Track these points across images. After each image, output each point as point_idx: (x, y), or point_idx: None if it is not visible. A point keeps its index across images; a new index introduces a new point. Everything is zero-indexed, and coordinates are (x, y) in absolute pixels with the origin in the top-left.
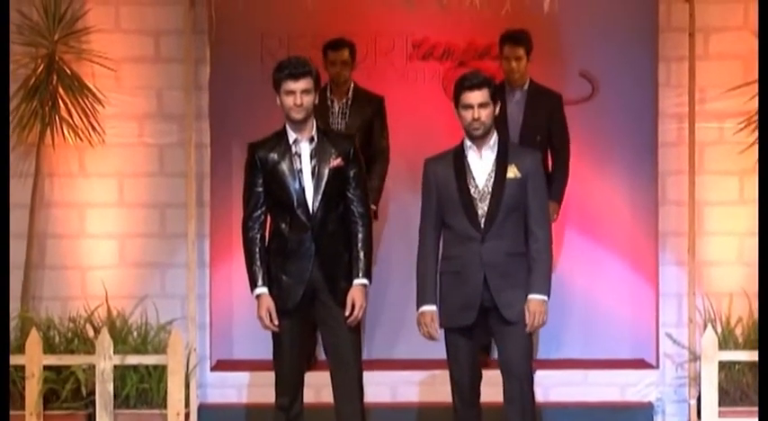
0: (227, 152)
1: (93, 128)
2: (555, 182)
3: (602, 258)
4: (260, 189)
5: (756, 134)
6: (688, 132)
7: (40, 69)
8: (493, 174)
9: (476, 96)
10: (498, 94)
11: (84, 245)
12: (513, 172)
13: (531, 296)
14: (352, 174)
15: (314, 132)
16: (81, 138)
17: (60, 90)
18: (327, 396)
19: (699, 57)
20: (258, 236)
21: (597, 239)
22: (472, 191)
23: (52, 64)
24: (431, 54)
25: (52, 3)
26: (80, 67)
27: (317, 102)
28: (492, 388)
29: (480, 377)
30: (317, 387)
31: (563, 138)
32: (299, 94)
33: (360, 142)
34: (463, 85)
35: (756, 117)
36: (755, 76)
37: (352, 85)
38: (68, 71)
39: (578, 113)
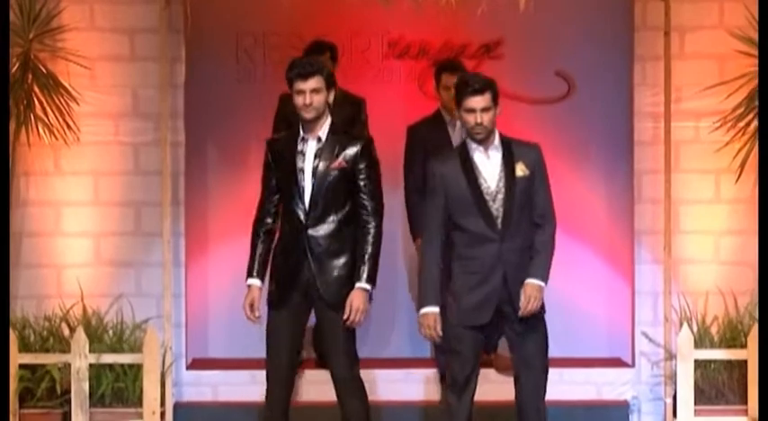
0: (202, 150)
1: (69, 126)
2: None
3: (578, 257)
4: (273, 183)
5: (732, 134)
6: (664, 131)
7: (15, 68)
8: (503, 174)
9: (478, 101)
10: (439, 124)
11: (59, 243)
12: (521, 170)
13: (528, 280)
14: (360, 175)
15: (323, 132)
16: (56, 137)
17: (35, 88)
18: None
19: (674, 56)
20: (262, 228)
21: (573, 238)
22: (484, 191)
23: (27, 62)
24: (406, 53)
25: (27, 1)
26: (55, 65)
27: (330, 100)
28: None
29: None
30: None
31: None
32: (308, 93)
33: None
34: (466, 89)
35: (735, 115)
36: (731, 75)
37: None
38: (43, 69)
39: (554, 113)
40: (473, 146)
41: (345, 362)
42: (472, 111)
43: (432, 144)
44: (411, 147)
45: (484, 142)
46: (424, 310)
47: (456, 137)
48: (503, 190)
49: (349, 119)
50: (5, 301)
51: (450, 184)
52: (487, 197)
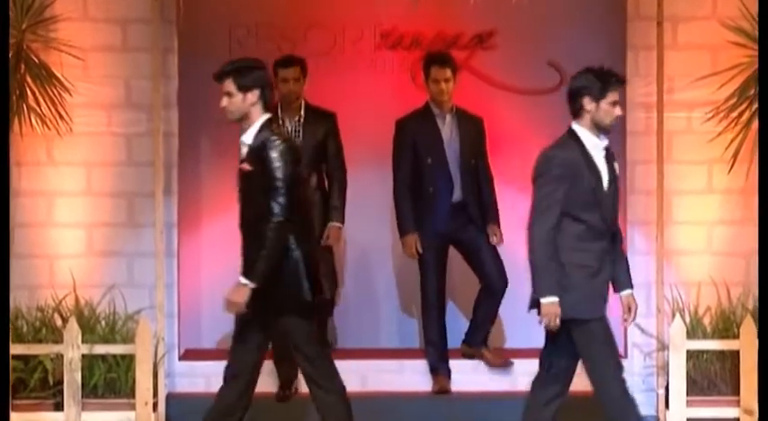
0: (195, 141)
1: (61, 117)
2: (492, 207)
3: None
4: None
5: (724, 124)
6: (656, 122)
7: None
8: (609, 173)
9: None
10: (428, 118)
11: (51, 234)
12: (616, 167)
13: (628, 290)
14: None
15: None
16: (49, 127)
17: (28, 79)
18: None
19: (667, 46)
20: None
21: None
22: (602, 187)
23: (20, 53)
24: (399, 43)
25: None
26: (48, 55)
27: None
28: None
29: None
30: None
31: (487, 160)
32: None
33: (314, 160)
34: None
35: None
36: (724, 65)
37: (303, 103)
38: (36, 60)
39: (546, 103)
40: (594, 142)
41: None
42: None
43: (420, 138)
44: (399, 142)
45: (604, 135)
46: (549, 300)
47: (446, 130)
48: (611, 186)
49: (322, 135)
50: (6, 295)
51: (576, 176)
52: (604, 193)
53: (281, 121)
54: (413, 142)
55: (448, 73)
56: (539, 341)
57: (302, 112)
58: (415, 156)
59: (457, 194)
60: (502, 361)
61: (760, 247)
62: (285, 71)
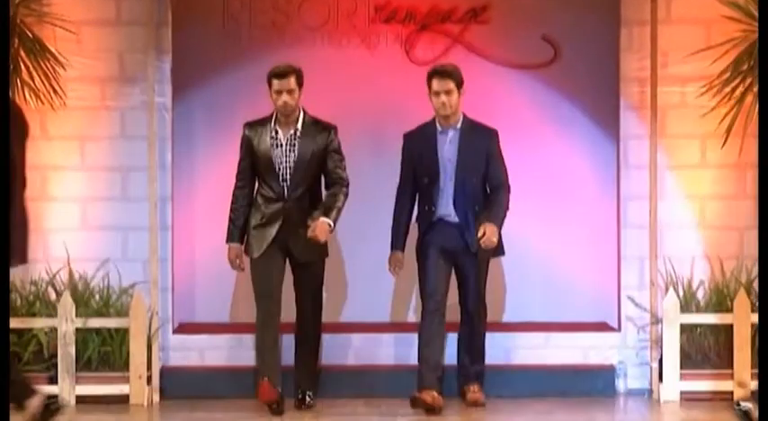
0: (189, 115)
1: (55, 91)
2: (496, 212)
3: (564, 221)
4: None
5: (718, 98)
6: (650, 96)
7: None
8: None
9: None
10: (429, 134)
11: (45, 207)
12: None
13: None
14: None
15: None
16: (42, 102)
17: (22, 53)
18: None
19: (661, 21)
20: None
21: (559, 203)
22: None
23: (14, 27)
24: (393, 17)
25: None
26: (41, 30)
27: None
28: None
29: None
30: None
31: (502, 176)
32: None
33: (310, 175)
34: None
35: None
36: (717, 40)
37: (301, 115)
38: (30, 34)
39: (540, 77)
40: None
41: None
42: None
43: (419, 155)
44: (403, 158)
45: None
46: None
47: (446, 148)
48: None
49: (321, 147)
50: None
51: None
52: None
53: (273, 134)
54: (413, 159)
55: (450, 85)
56: (535, 315)
57: (299, 125)
58: (416, 174)
59: (453, 216)
60: (477, 401)
61: (760, 224)
62: (280, 82)
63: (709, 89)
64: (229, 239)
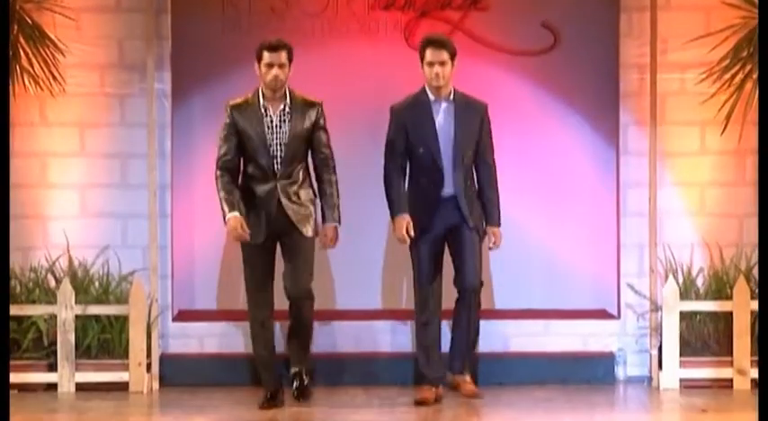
0: (188, 102)
1: (54, 78)
2: (492, 204)
3: (563, 209)
4: None
5: (717, 85)
6: (650, 83)
7: None
8: None
9: None
10: (421, 104)
11: (45, 194)
12: None
13: None
14: None
15: None
16: (42, 88)
17: (21, 40)
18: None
19: (661, 7)
20: None
21: (558, 190)
22: None
23: (13, 14)
24: (393, 4)
25: None
26: (41, 16)
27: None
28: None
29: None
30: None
31: (491, 152)
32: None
33: (300, 152)
34: None
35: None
36: (717, 26)
37: (288, 92)
38: (29, 21)
39: (540, 64)
40: None
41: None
42: None
43: (413, 125)
44: (391, 129)
45: None
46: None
47: (440, 118)
48: None
49: (309, 124)
50: (5, 257)
51: None
52: None
53: (263, 110)
54: (405, 130)
55: (444, 55)
56: (535, 302)
57: (287, 101)
58: (408, 145)
59: (448, 188)
60: (475, 393)
61: (760, 210)
62: (271, 55)
63: (709, 76)
64: (230, 210)
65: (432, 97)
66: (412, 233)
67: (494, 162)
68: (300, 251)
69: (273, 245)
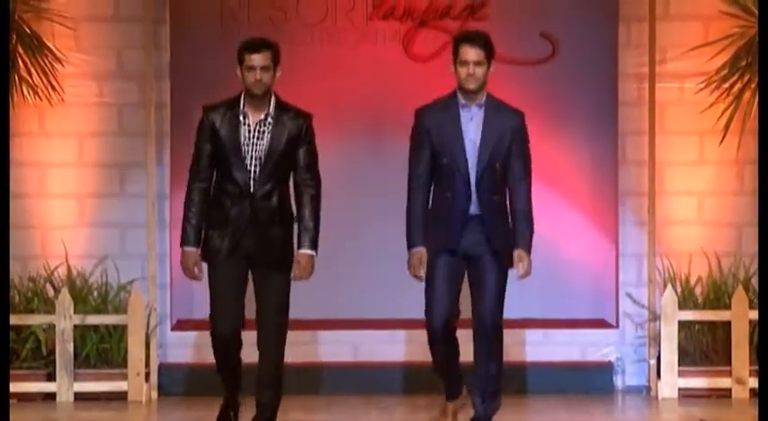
0: (187, 112)
1: (53, 87)
2: (524, 226)
3: (562, 218)
4: None
5: (716, 95)
6: (648, 92)
7: None
8: None
9: None
10: (450, 108)
11: (43, 204)
12: None
13: None
14: None
15: None
16: (40, 98)
17: (20, 49)
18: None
19: (659, 17)
20: None
21: (557, 199)
22: None
23: (12, 23)
24: (391, 14)
25: None
26: (39, 26)
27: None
28: None
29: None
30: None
31: (526, 168)
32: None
33: (281, 169)
34: None
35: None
36: (715, 36)
37: (272, 99)
38: (28, 30)
39: (539, 74)
40: None
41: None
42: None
43: (438, 132)
44: (415, 136)
45: None
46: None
47: (471, 125)
48: None
49: (294, 137)
50: (5, 265)
51: None
52: None
53: (241, 117)
54: (430, 136)
55: (480, 54)
56: (533, 311)
57: (270, 110)
58: (433, 154)
59: (474, 206)
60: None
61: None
62: (253, 57)
63: (708, 85)
64: (184, 242)
65: (462, 101)
66: (425, 267)
67: (529, 179)
68: (272, 285)
69: (243, 263)
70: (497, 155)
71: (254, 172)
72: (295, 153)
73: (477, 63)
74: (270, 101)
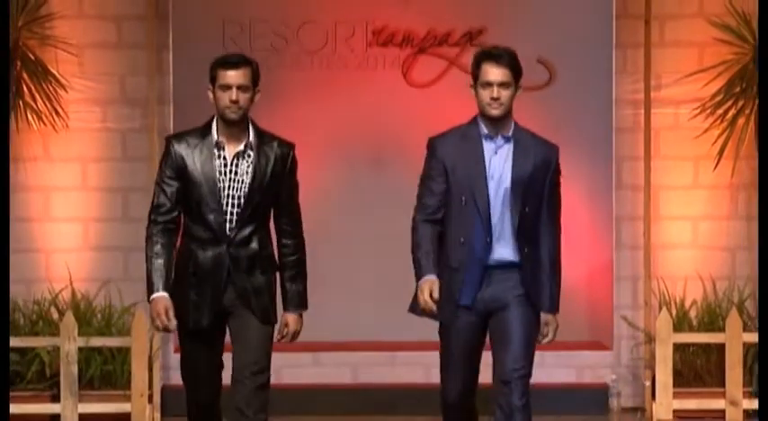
0: None
1: (57, 113)
2: (552, 283)
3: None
4: None
5: (710, 120)
6: (644, 118)
7: None
8: None
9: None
10: (471, 138)
11: (48, 228)
12: None
13: None
14: None
15: None
16: (45, 123)
17: (24, 75)
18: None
19: (654, 43)
20: None
21: None
22: None
23: (16, 50)
24: (390, 41)
25: None
26: (43, 52)
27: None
28: None
29: None
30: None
31: (557, 212)
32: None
33: (265, 207)
34: None
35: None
36: (710, 62)
37: (249, 126)
38: (32, 57)
39: (536, 100)
40: None
41: None
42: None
43: (456, 165)
44: (427, 168)
45: None
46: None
47: (495, 159)
48: None
49: (276, 170)
50: (5, 289)
51: None
52: None
53: (215, 148)
54: (444, 171)
55: (507, 74)
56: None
57: (250, 139)
58: (448, 190)
59: (497, 253)
60: None
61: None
62: (228, 74)
63: (702, 111)
64: (153, 290)
65: (485, 131)
66: (436, 295)
67: (559, 226)
68: (252, 333)
69: (220, 332)
70: (528, 196)
71: (232, 213)
72: (279, 189)
73: (503, 84)
74: (248, 128)
